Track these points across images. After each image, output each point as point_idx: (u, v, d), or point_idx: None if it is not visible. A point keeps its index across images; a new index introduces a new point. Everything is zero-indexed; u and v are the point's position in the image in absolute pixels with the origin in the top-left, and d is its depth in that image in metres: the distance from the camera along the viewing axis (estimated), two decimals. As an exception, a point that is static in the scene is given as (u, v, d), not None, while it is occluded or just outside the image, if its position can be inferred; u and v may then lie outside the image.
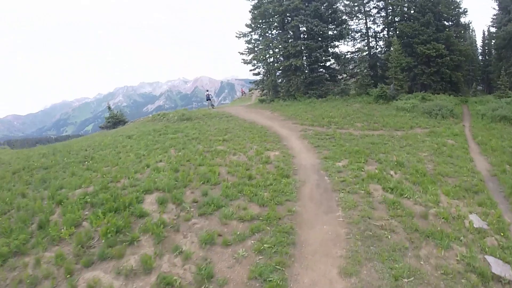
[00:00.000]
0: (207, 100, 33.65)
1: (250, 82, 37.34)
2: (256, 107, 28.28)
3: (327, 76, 31.64)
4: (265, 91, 34.34)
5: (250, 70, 34.06)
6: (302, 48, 28.59)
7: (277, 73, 31.51)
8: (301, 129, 17.80)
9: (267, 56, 31.26)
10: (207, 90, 35.72)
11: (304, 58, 30.05)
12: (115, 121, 39.35)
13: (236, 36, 32.54)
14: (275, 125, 19.23)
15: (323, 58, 29.55)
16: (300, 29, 29.96)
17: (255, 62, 32.99)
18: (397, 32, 31.68)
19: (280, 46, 29.63)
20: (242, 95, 60.26)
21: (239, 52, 33.40)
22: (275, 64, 30.53)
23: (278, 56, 31.38)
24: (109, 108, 43.28)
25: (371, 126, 18.48)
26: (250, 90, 62.32)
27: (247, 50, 33.34)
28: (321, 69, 31.59)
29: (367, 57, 33.61)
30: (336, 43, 31.69)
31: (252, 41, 32.92)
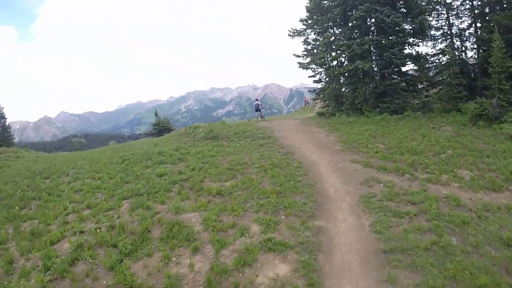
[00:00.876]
0: (256, 111, 27.20)
1: (309, 91, 29.79)
2: (311, 123, 21.03)
3: (403, 84, 22.55)
4: (326, 102, 26.93)
5: (310, 77, 26.92)
6: (371, 46, 20.61)
7: (341, 80, 23.72)
8: (364, 177, 10.00)
9: (328, 58, 23.78)
10: (257, 99, 28.88)
11: (374, 60, 21.85)
12: (161, 128, 36.00)
13: (289, 35, 25.66)
14: (322, 164, 11.81)
15: (398, 60, 20.74)
16: (368, 22, 21.92)
17: (314, 66, 25.76)
18: (492, 26, 21.36)
19: (343, 45, 21.98)
20: (305, 104, 52.68)
21: (294, 55, 26.49)
22: (338, 69, 22.73)
23: (341, 59, 23.64)
24: (156, 114, 39.55)
25: (486, 179, 9.84)
26: (313, 100, 54.58)
27: (304, 52, 26.34)
28: (395, 76, 22.87)
29: (457, 59, 23.63)
30: (415, 40, 22.46)
31: (309, 41, 25.75)
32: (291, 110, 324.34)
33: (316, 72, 26.29)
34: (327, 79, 25.23)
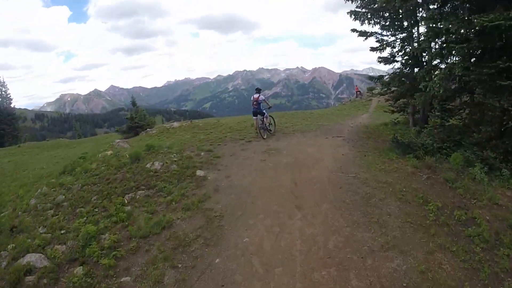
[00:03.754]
0: (254, 113, 12.03)
1: (370, 79, 15.18)
2: (388, 203, 6.24)
3: None
4: (398, 101, 13.76)
5: (373, 50, 13.43)
6: None
7: (454, 57, 9.45)
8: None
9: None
10: (257, 90, 12.48)
11: None
12: (134, 125, 24.02)
13: None
14: None
15: None
16: None
17: (382, 25, 12.47)
18: None
19: None
20: (356, 96, 39.10)
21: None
22: (446, 24, 7.96)
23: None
24: (133, 103, 27.57)
25: None
26: (369, 91, 40.17)
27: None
28: None
29: None
30: None
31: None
32: (339, 96, 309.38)
33: (384, 40, 13.20)
34: (412, 52, 11.67)
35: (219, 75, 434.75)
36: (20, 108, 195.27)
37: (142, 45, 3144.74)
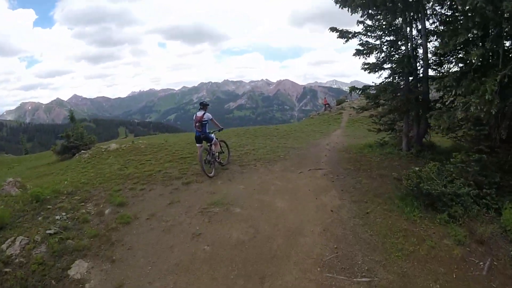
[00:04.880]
0: (197, 139, 8.19)
1: (353, 90, 11.56)
2: None
3: None
4: (384, 117, 10.96)
5: (357, 54, 10.39)
6: None
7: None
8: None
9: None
10: (203, 106, 8.37)
11: None
12: (68, 146, 19.39)
13: None
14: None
15: None
16: None
17: (366, 25, 9.63)
18: None
19: None
20: (325, 109, 36.30)
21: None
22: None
23: None
24: (71, 119, 22.98)
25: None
26: (339, 103, 37.80)
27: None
28: None
29: None
30: None
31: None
32: (303, 108, 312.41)
33: (370, 43, 10.35)
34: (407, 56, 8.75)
35: (184, 87, 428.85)
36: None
37: (107, 53, 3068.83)
